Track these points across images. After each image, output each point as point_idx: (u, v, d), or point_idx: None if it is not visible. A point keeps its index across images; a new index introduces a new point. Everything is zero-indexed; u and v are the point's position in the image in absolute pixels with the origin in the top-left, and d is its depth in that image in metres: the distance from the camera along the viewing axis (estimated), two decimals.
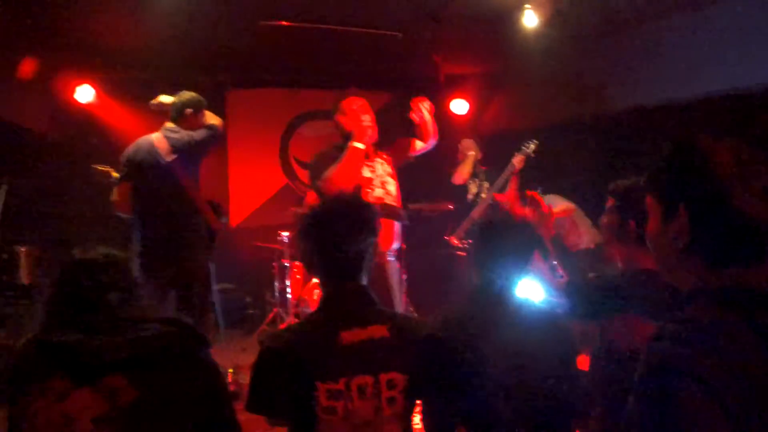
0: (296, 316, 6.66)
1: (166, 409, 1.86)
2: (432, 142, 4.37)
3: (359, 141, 3.84)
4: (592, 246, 5.76)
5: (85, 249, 2.09)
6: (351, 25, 6.11)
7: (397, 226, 4.06)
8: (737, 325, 1.15)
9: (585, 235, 5.81)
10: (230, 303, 7.58)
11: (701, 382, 1.05)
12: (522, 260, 2.36)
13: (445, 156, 6.37)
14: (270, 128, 8.58)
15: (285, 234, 6.74)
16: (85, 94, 6.80)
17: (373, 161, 4.10)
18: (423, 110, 4.23)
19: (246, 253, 7.57)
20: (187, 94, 4.90)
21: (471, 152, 6.51)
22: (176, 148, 4.67)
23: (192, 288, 4.73)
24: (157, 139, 4.71)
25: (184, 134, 4.72)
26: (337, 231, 2.03)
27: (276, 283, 6.97)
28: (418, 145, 4.38)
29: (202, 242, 4.81)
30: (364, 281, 2.10)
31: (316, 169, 3.96)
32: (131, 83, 7.24)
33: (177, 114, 4.80)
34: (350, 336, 1.94)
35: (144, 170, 4.68)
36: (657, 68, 5.95)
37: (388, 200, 4.03)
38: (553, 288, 2.73)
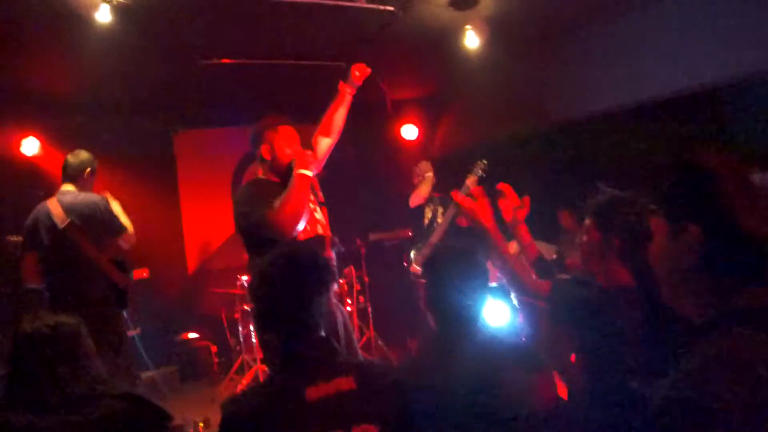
0: (263, 361, 6.48)
1: None
2: (339, 131, 4.11)
3: (305, 168, 3.52)
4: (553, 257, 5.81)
5: (32, 319, 2.02)
6: (293, 58, 6.08)
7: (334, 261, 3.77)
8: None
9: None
10: (195, 353, 7.49)
11: None
12: (475, 289, 2.29)
13: (397, 182, 6.37)
14: (221, 168, 8.45)
15: (244, 278, 6.60)
16: (30, 146, 6.66)
17: None
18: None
19: (206, 300, 7.43)
20: (84, 155, 4.93)
21: (429, 173, 6.54)
22: (69, 212, 4.67)
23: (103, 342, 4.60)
24: (52, 204, 4.72)
25: (80, 199, 4.74)
26: (294, 286, 1.96)
27: (240, 329, 6.80)
28: (322, 144, 4.05)
29: (108, 300, 4.79)
30: (322, 332, 2.03)
31: (250, 203, 3.56)
32: (77, 131, 7.10)
33: (75, 174, 4.85)
34: (316, 392, 1.86)
35: (42, 237, 4.69)
36: (600, 74, 6.02)
37: (321, 230, 3.73)
38: (533, 292, 2.69)
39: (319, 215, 3.77)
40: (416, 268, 6.28)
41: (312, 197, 3.71)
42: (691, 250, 1.32)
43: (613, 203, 2.49)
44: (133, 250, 6.87)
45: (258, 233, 3.46)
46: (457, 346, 2.20)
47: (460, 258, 2.34)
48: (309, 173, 3.53)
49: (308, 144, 3.88)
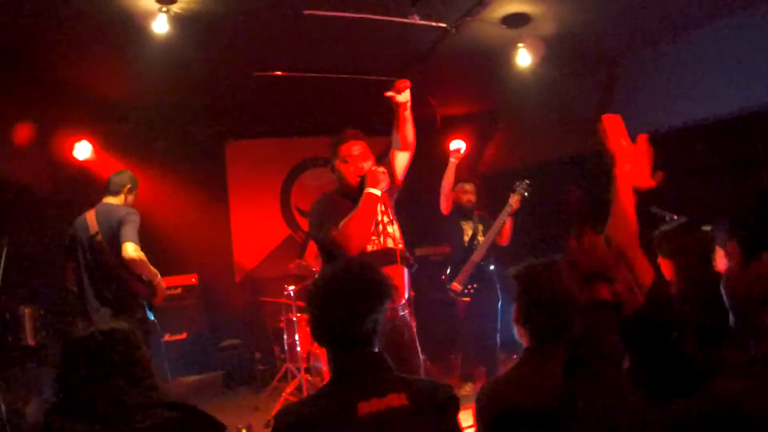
0: (307, 371, 6.56)
1: None
2: (411, 144, 3.98)
3: (374, 187, 3.57)
4: None
5: (88, 323, 2.02)
6: (346, 73, 6.13)
7: (406, 274, 3.80)
8: None
9: None
10: (239, 360, 7.55)
11: None
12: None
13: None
14: (271, 178, 8.56)
15: (291, 288, 6.64)
16: (83, 150, 6.77)
17: None
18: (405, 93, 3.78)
19: (252, 308, 7.50)
20: (126, 173, 5.33)
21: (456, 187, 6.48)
22: (100, 224, 4.99)
23: None
24: (89, 215, 5.06)
25: (109, 211, 5.02)
26: (347, 303, 1.97)
27: (285, 338, 6.83)
28: (399, 159, 3.97)
29: (129, 307, 4.97)
30: (377, 347, 2.04)
31: (320, 218, 3.69)
32: (129, 136, 7.27)
33: (116, 189, 5.21)
34: (368, 407, 1.87)
35: (78, 245, 5.08)
36: (653, 97, 5.97)
37: (391, 244, 3.74)
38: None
39: (392, 228, 3.79)
40: (456, 285, 6.26)
41: (382, 209, 3.78)
42: (763, 279, 1.33)
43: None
44: (180, 255, 7.03)
45: (325, 249, 3.64)
46: (551, 361, 2.12)
47: (553, 276, 2.25)
48: (377, 192, 3.57)
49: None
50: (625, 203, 2.26)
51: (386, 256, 3.63)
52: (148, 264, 4.95)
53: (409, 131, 3.93)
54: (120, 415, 1.83)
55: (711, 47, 5.41)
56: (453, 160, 6.50)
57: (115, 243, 4.89)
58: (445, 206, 6.42)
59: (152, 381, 2.03)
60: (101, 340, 1.94)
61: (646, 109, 6.10)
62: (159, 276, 5.03)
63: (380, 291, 2.03)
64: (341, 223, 3.53)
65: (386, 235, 3.73)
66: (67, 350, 1.96)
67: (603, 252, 2.10)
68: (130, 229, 4.92)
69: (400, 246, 3.76)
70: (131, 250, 4.80)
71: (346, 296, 1.99)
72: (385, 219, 3.76)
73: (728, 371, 1.49)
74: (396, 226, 3.83)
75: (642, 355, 1.99)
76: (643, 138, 2.50)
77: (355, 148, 3.74)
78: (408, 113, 3.88)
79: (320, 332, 2.05)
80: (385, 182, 3.63)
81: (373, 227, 3.66)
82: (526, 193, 5.94)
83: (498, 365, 6.28)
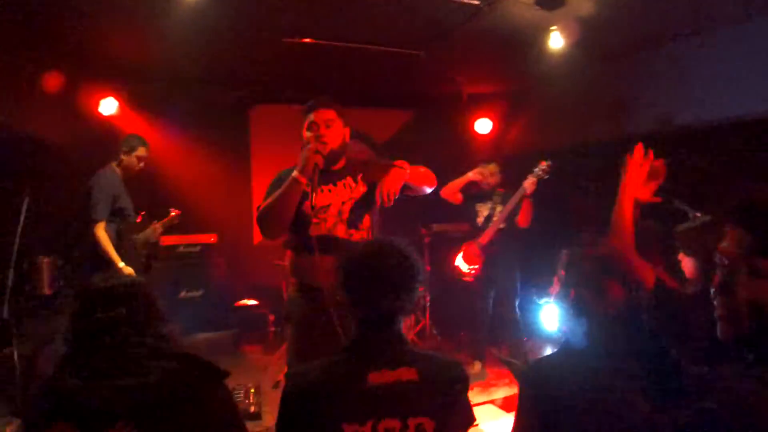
0: None
1: None
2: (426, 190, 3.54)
3: (300, 171, 3.12)
4: None
5: (105, 276, 2.03)
6: (373, 44, 6.11)
7: None
8: None
9: None
10: (253, 320, 7.65)
11: None
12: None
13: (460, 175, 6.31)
14: (293, 143, 8.45)
15: None
16: (108, 106, 6.84)
17: (336, 185, 3.39)
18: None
19: (269, 271, 7.56)
20: (129, 136, 5.58)
21: (470, 173, 6.28)
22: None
23: None
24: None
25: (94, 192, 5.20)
26: (375, 286, 1.97)
27: None
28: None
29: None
30: (400, 326, 2.05)
31: (266, 193, 3.36)
32: (154, 96, 7.31)
33: (118, 152, 5.47)
34: (378, 378, 1.89)
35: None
36: (684, 88, 5.89)
37: (342, 233, 3.32)
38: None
39: (357, 215, 3.38)
40: (459, 266, 6.28)
41: (363, 194, 3.40)
42: None
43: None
44: (201, 216, 7.06)
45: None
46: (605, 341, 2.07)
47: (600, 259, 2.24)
48: (300, 180, 3.12)
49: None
50: (625, 213, 2.41)
51: (328, 243, 3.26)
52: (108, 247, 5.08)
53: (425, 190, 3.53)
54: (124, 367, 1.85)
55: (743, 46, 5.33)
56: (471, 175, 6.25)
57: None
58: (452, 200, 6.30)
59: (165, 332, 2.03)
60: (114, 291, 1.96)
61: (668, 102, 6.07)
62: (119, 263, 5.07)
63: (407, 273, 2.01)
64: (262, 204, 3.27)
65: (342, 222, 3.34)
66: (84, 298, 1.96)
67: (620, 261, 2.14)
68: (93, 201, 5.14)
69: (355, 236, 3.35)
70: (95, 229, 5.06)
71: (372, 277, 1.99)
72: (354, 204, 3.37)
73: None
74: (369, 215, 3.45)
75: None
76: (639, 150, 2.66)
77: (318, 117, 3.34)
78: (415, 185, 3.42)
79: (349, 304, 2.05)
80: (314, 165, 3.12)
81: (330, 209, 3.33)
82: (546, 176, 5.81)
83: (522, 343, 6.30)
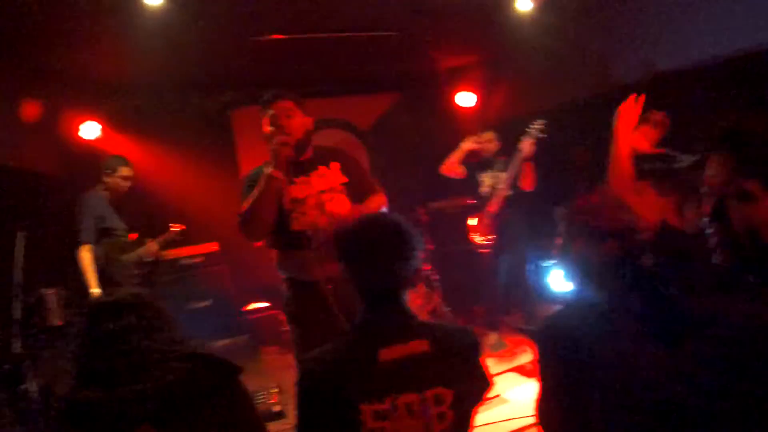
0: None
1: None
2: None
3: (274, 166, 3.11)
4: None
5: (111, 292, 2.05)
6: (344, 31, 6.07)
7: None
8: None
9: None
10: (264, 322, 7.64)
11: None
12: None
13: (453, 149, 6.28)
14: None
15: None
16: (90, 130, 6.78)
17: (309, 176, 3.34)
18: None
19: (274, 270, 7.52)
20: (109, 158, 5.48)
21: (462, 143, 6.26)
22: None
23: None
24: None
25: (78, 216, 5.23)
26: (371, 257, 1.96)
27: None
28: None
29: None
30: (405, 300, 2.03)
31: (242, 200, 3.30)
32: (136, 113, 7.28)
33: (101, 175, 5.40)
34: (390, 353, 1.88)
35: None
36: (661, 35, 5.85)
37: (322, 223, 3.26)
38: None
39: (337, 203, 3.34)
40: (474, 237, 6.25)
41: (340, 181, 3.38)
42: None
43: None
44: (200, 225, 7.05)
45: None
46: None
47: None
48: (276, 175, 3.11)
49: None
50: (622, 156, 2.42)
51: (314, 235, 3.26)
52: (88, 271, 5.08)
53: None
54: (138, 373, 1.86)
55: None
56: (467, 145, 6.22)
57: None
58: (454, 174, 6.27)
59: (177, 336, 2.05)
60: (119, 302, 1.97)
61: (646, 49, 6.03)
62: (92, 288, 5.07)
63: (404, 246, 1.99)
64: (240, 210, 3.23)
65: (323, 213, 3.29)
66: (91, 312, 1.98)
67: (611, 209, 2.11)
68: (77, 225, 5.15)
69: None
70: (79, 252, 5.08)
71: (367, 250, 1.98)
72: (333, 193, 3.33)
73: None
74: (347, 200, 3.39)
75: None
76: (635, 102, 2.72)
77: (277, 110, 3.32)
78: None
79: (351, 282, 2.04)
80: (283, 156, 3.14)
81: (307, 200, 3.29)
82: (541, 135, 5.70)
83: (535, 309, 6.25)
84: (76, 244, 5.11)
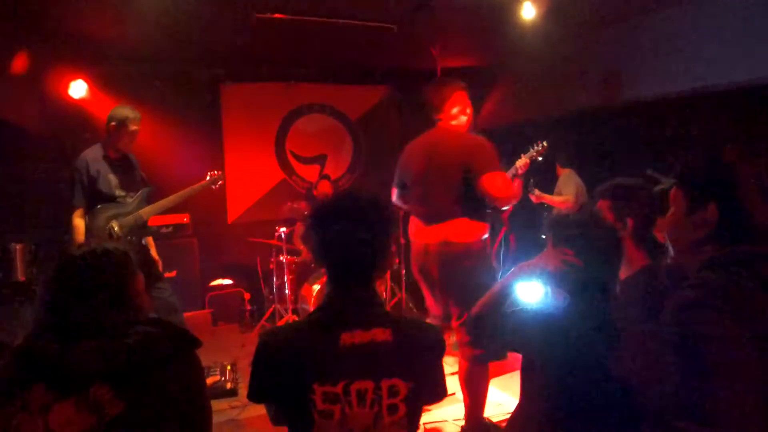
0: (294, 312, 6.67)
1: (154, 418, 1.81)
2: None
3: None
4: None
5: (85, 246, 2.00)
6: (346, 18, 6.05)
7: None
8: (741, 274, 1.64)
9: None
10: (228, 299, 7.67)
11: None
12: None
13: None
14: (266, 122, 8.54)
15: (282, 230, 6.68)
16: (78, 89, 6.71)
17: None
18: None
19: (243, 249, 7.54)
20: (116, 109, 4.87)
21: None
22: None
23: None
24: None
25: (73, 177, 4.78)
26: (343, 232, 1.90)
27: (274, 279, 6.93)
28: None
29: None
30: (373, 283, 1.99)
31: None
32: (125, 77, 7.20)
33: (105, 127, 4.84)
34: (351, 338, 1.85)
35: None
36: (660, 60, 5.89)
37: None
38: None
39: None
40: None
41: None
42: (706, 224, 1.76)
43: (634, 189, 2.70)
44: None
45: None
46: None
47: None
48: None
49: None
50: None
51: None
52: (75, 237, 4.70)
53: None
54: (99, 331, 1.83)
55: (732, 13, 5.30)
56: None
57: None
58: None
59: (139, 302, 2.02)
60: (94, 260, 1.93)
61: (638, 74, 6.06)
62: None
63: (377, 222, 1.94)
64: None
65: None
66: (59, 267, 1.94)
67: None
68: (71, 188, 4.78)
69: None
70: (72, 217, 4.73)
71: (340, 224, 1.91)
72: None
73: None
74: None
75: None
76: None
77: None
78: None
79: (317, 258, 2.00)
80: None
81: None
82: (539, 158, 5.69)
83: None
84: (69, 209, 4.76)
